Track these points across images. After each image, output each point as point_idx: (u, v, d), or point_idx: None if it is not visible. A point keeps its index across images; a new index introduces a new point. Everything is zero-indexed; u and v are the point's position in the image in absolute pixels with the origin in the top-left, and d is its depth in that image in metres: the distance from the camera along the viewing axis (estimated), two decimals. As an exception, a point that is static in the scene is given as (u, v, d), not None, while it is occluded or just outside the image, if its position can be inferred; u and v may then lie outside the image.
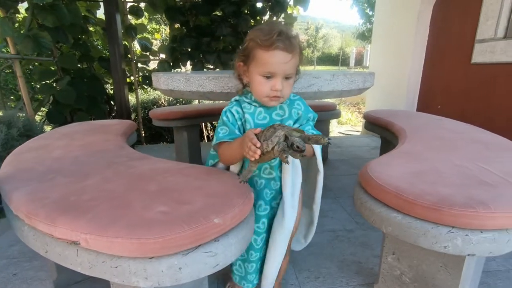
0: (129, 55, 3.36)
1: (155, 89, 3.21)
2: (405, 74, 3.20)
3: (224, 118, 0.89)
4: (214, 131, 1.77)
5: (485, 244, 0.71)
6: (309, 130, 0.91)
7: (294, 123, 0.91)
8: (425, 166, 0.96)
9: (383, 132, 1.83)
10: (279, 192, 0.95)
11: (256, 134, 0.74)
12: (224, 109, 0.90)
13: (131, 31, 3.23)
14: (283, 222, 0.91)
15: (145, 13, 3.48)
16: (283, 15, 3.53)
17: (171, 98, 4.22)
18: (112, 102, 3.45)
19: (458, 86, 2.68)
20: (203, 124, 3.89)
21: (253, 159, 0.73)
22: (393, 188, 0.82)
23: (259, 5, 3.48)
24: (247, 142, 0.73)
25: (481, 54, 2.39)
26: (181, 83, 1.13)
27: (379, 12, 3.82)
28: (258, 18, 3.53)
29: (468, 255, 0.74)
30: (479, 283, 1.07)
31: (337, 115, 2.76)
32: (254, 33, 0.82)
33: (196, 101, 3.88)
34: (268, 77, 0.81)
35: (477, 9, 2.40)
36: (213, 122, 3.76)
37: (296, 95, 0.95)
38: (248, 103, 0.89)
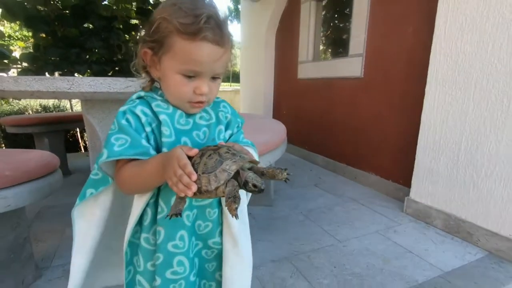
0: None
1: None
2: (260, 88, 3.96)
3: (123, 122, 0.59)
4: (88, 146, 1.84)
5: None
6: (243, 139, 0.74)
7: (225, 130, 0.71)
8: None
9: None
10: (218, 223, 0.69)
11: (189, 158, 0.53)
12: (120, 109, 0.61)
13: (-17, 37, 3.01)
14: (239, 253, 0.68)
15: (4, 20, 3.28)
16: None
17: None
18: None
19: (292, 95, 3.52)
20: (78, 132, 3.82)
21: (183, 195, 0.51)
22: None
23: (134, 19, 3.73)
24: (175, 168, 0.50)
25: (302, 72, 3.25)
26: (10, 84, 1.32)
27: (242, 37, 4.58)
28: (133, 33, 3.77)
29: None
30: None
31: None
32: (169, 9, 0.56)
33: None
34: (190, 76, 0.59)
35: (297, 39, 3.27)
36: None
37: (218, 96, 0.70)
38: (162, 100, 0.64)
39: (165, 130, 0.60)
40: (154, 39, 0.58)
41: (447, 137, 1.66)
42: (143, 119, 0.60)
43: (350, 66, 2.50)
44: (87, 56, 3.43)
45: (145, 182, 0.58)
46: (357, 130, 2.53)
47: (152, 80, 0.66)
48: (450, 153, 1.65)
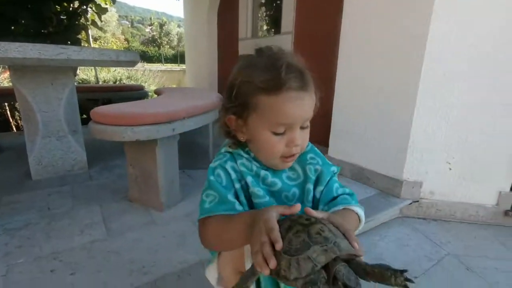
0: None
1: None
2: (205, 65, 4.06)
3: (211, 178, 0.60)
4: (22, 119, 1.74)
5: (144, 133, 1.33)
6: (338, 188, 0.65)
7: (315, 187, 0.64)
8: (145, 104, 1.56)
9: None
10: None
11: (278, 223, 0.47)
12: (210, 166, 0.62)
13: None
14: None
15: None
16: (91, 5, 3.69)
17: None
18: None
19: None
20: (8, 111, 3.57)
21: (259, 269, 0.44)
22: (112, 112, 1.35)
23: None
24: (261, 233, 0.46)
25: (242, 49, 3.43)
26: None
27: (186, 15, 4.57)
28: (65, 4, 3.55)
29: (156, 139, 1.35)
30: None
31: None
32: (246, 71, 0.57)
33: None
34: (280, 133, 0.57)
35: (237, 17, 3.42)
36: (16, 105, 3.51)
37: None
38: (247, 159, 0.62)
39: (257, 190, 0.59)
40: (237, 103, 0.57)
41: (353, 104, 2.01)
42: (233, 175, 0.60)
43: (282, 43, 2.74)
44: (12, 28, 3.18)
45: (228, 237, 0.55)
46: (290, 101, 2.83)
47: (239, 144, 0.63)
48: (355, 116, 2.01)
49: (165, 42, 17.05)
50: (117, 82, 4.95)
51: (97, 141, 2.83)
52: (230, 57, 3.71)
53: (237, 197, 0.59)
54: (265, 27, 3.56)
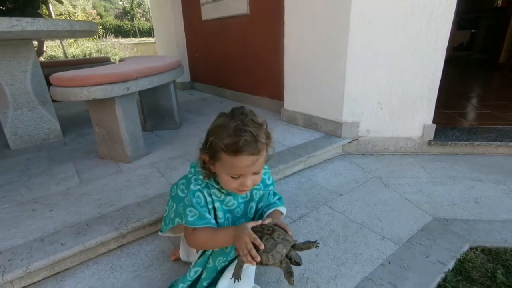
0: None
1: None
2: (172, 33, 4.09)
3: (194, 200, 0.84)
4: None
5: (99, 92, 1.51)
6: (272, 197, 0.97)
7: (256, 204, 0.94)
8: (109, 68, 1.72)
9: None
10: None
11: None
12: (191, 188, 0.86)
13: None
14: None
15: None
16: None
17: None
18: None
19: (200, 36, 3.77)
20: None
21: (248, 264, 0.74)
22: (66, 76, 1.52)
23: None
24: (247, 242, 0.73)
25: (204, 14, 3.48)
26: None
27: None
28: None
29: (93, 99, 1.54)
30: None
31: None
32: (217, 130, 0.77)
33: None
34: (236, 177, 0.79)
35: (196, -19, 3.42)
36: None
37: None
38: (218, 189, 0.87)
39: (219, 214, 0.87)
40: (208, 151, 0.79)
41: (299, 63, 2.19)
42: (208, 199, 0.85)
43: (239, 4, 2.84)
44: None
45: (215, 244, 0.84)
46: (251, 62, 2.98)
47: (211, 174, 0.84)
48: (302, 74, 2.20)
49: (140, 15, 16.29)
50: (86, 57, 4.94)
51: (72, 113, 2.99)
52: (195, 24, 3.76)
53: (210, 214, 0.86)
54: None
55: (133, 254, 1.19)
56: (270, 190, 0.96)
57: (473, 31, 6.71)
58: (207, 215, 0.84)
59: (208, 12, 3.40)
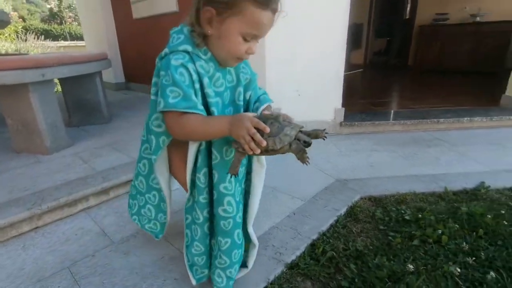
0: None
1: None
2: (103, 34, 3.94)
3: (177, 77, 0.66)
4: None
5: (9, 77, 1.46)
6: (258, 90, 0.86)
7: (244, 91, 0.82)
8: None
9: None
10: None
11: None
12: (172, 63, 0.67)
13: None
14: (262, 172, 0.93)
15: None
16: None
17: None
18: None
19: (132, 35, 3.72)
20: None
21: (251, 152, 0.66)
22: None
23: None
24: (249, 127, 0.63)
25: (136, 12, 3.46)
26: None
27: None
28: None
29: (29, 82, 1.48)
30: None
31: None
32: None
33: None
34: (248, 39, 0.68)
35: (125, -21, 3.39)
36: None
37: None
38: (205, 61, 0.71)
39: (210, 91, 0.71)
40: (224, 1, 0.63)
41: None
42: (194, 76, 0.68)
43: (168, 1, 2.91)
44: None
45: (206, 134, 0.70)
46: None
47: (205, 37, 0.70)
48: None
49: (71, 19, 14.96)
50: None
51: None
52: (126, 23, 3.70)
53: (196, 96, 0.69)
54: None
55: (49, 234, 1.18)
56: (256, 78, 0.86)
57: (388, 39, 7.70)
58: (193, 97, 0.68)
59: (139, 10, 3.38)
